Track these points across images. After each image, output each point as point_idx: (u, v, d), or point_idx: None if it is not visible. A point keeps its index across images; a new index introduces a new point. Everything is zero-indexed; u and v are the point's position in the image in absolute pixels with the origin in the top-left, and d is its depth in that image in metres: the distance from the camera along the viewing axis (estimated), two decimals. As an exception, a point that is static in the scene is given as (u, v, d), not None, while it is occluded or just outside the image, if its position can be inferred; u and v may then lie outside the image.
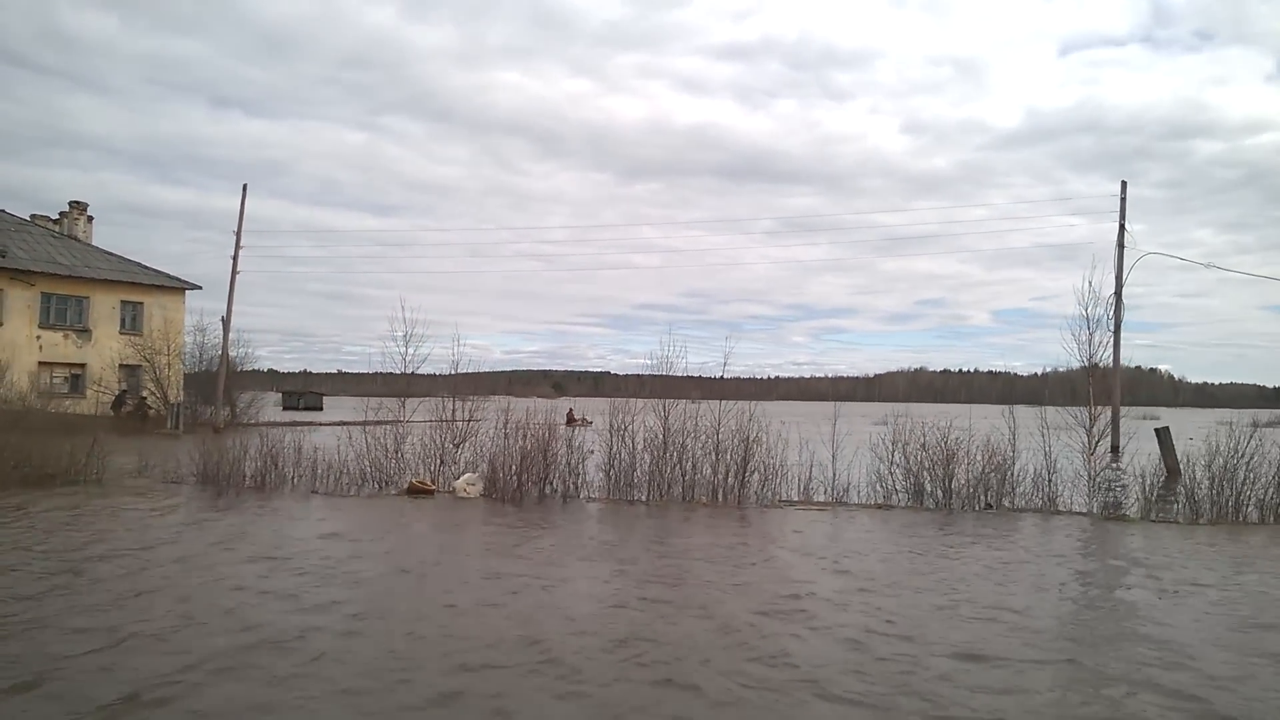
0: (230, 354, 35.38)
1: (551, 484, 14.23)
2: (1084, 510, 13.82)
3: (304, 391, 73.25)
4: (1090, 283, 15.07)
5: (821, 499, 14.26)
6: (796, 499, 14.24)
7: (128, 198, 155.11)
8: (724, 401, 15.17)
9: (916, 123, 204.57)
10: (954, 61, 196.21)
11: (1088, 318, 14.81)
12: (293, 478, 14.92)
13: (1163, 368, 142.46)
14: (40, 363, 34.08)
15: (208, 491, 14.12)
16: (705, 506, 13.67)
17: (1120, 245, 27.68)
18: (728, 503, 13.94)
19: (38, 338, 34.20)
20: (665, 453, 14.45)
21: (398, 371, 16.47)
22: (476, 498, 13.86)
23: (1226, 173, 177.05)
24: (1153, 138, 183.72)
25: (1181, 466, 15.32)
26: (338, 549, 9.40)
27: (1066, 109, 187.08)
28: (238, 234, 33.15)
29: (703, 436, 14.71)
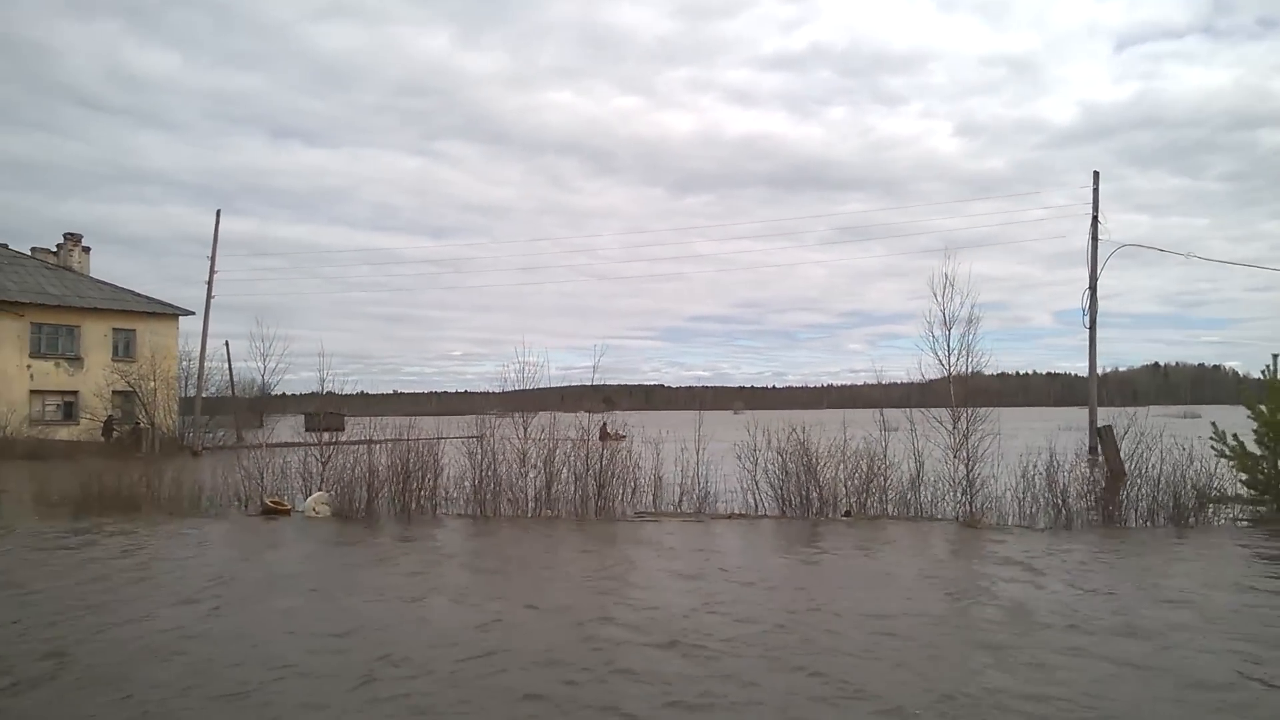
0: (246, 377, 35.87)
1: (411, 501, 13.93)
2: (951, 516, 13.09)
3: (325, 413, 75.98)
4: (947, 276, 14.06)
5: (689, 510, 13.77)
6: (666, 511, 13.75)
7: (191, 229, 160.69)
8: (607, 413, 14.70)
9: (971, 124, 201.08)
10: (1008, 61, 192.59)
11: (945, 315, 13.93)
12: (187, 498, 14.83)
13: (1230, 365, 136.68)
14: (32, 391, 35.03)
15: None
16: (564, 520, 13.34)
17: (1094, 238, 26.56)
18: (590, 517, 13.54)
19: (28, 367, 35.15)
20: (523, 466, 14.12)
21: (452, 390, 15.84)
22: (327, 517, 13.64)
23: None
24: (1217, 129, 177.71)
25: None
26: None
27: (1125, 104, 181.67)
28: (212, 258, 33.75)
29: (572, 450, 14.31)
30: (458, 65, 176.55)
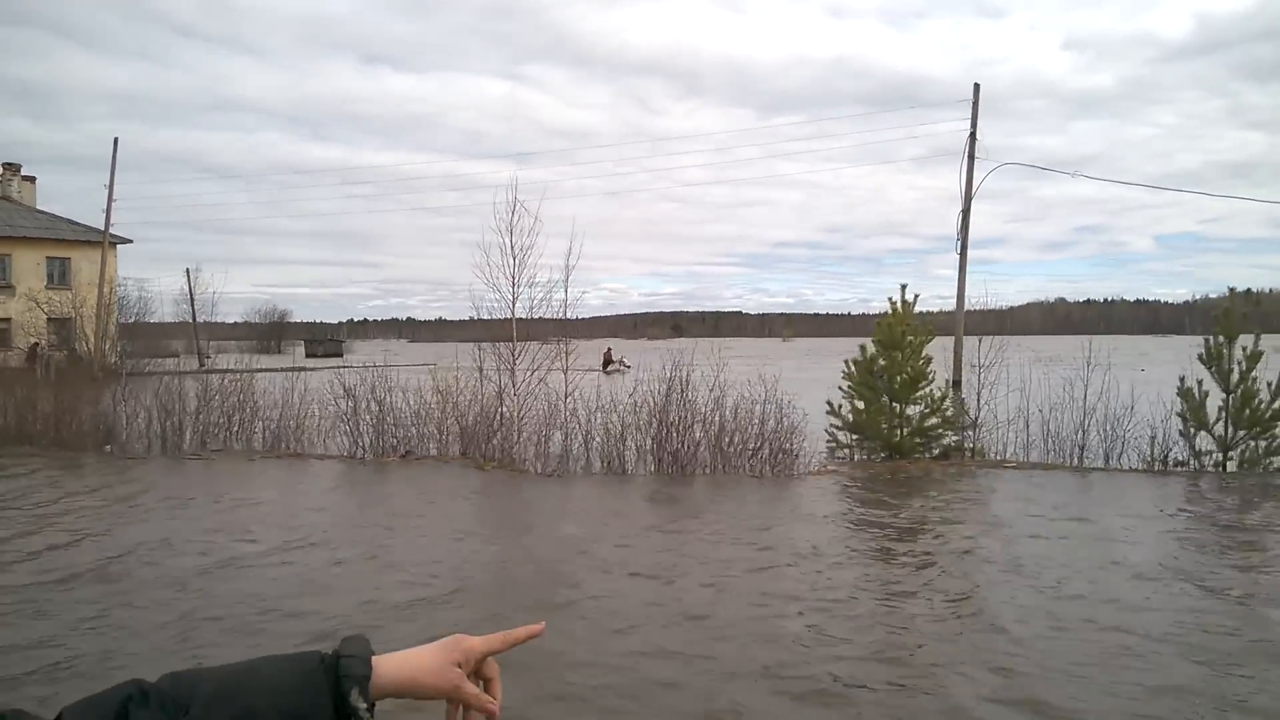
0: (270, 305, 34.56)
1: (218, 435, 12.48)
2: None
3: (324, 340, 76.35)
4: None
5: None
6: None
7: (283, 157, 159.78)
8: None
9: (1078, 38, 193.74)
10: None
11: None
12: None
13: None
14: (-40, 319, 33.77)
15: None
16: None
17: (970, 156, 24.52)
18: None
19: (-44, 296, 33.83)
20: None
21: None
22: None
23: None
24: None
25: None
26: None
27: (1243, 14, 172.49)
28: (110, 188, 32.11)
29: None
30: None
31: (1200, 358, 11.20)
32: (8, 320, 35.12)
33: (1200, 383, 11.08)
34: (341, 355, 61.50)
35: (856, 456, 12.34)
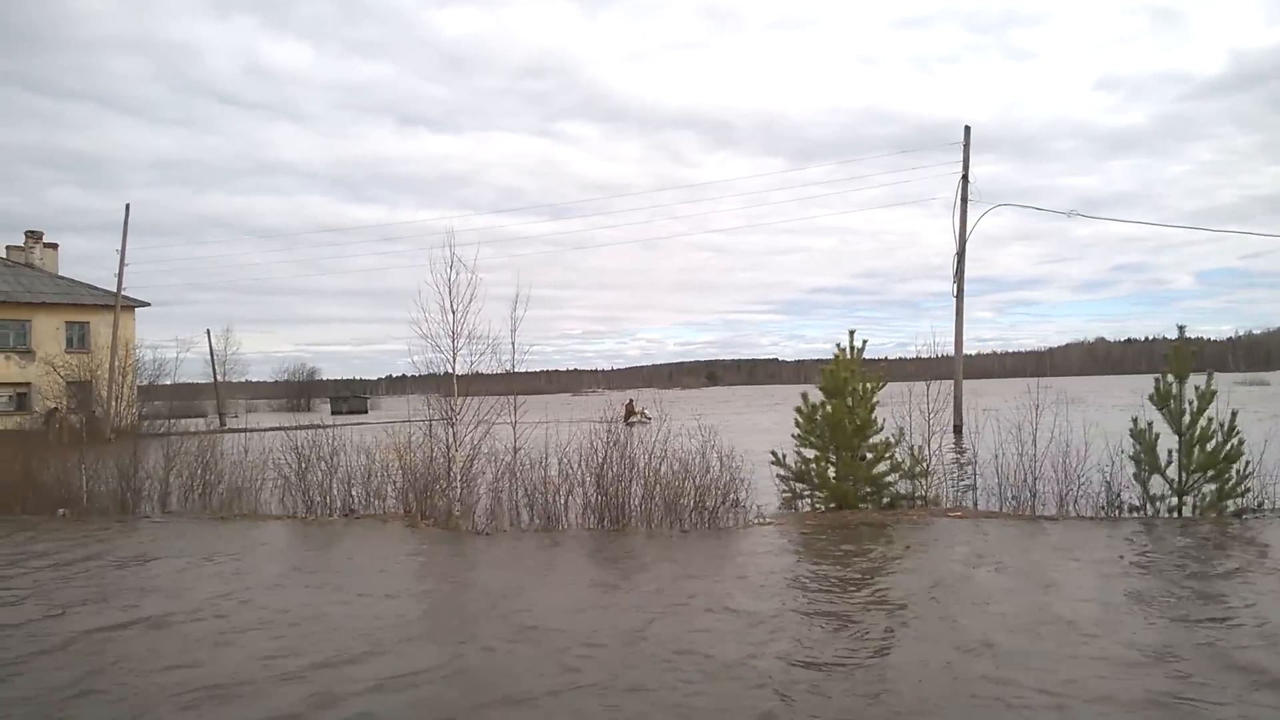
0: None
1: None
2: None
3: (348, 397, 77.59)
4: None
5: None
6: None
7: (324, 218, 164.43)
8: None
9: (1110, 78, 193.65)
10: (1149, 9, 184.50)
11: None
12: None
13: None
14: (-17, 384, 34.66)
15: None
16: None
17: (963, 199, 24.25)
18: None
19: (-22, 361, 34.77)
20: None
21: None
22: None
23: None
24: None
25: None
26: None
27: (1277, 48, 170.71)
28: (121, 253, 32.96)
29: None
30: (577, 44, 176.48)
31: (1151, 398, 10.83)
32: (28, 385, 36.03)
33: (1150, 424, 10.70)
34: (366, 411, 62.68)
35: (804, 507, 12.05)
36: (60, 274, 40.06)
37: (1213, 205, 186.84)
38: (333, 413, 62.60)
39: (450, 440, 11.91)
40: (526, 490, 11.45)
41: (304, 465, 12.71)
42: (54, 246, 40.48)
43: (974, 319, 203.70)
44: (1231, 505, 10.36)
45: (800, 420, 12.16)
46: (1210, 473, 10.48)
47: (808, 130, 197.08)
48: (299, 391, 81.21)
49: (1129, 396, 11.57)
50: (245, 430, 37.04)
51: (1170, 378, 10.71)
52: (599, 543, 10.11)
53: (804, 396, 12.11)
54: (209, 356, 60.64)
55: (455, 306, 12.02)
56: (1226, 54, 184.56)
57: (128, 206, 33.86)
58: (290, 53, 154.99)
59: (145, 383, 38.68)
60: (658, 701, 4.77)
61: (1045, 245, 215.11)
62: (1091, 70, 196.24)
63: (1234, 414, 10.50)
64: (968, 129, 26.65)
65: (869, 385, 12.04)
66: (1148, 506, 10.68)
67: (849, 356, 12.12)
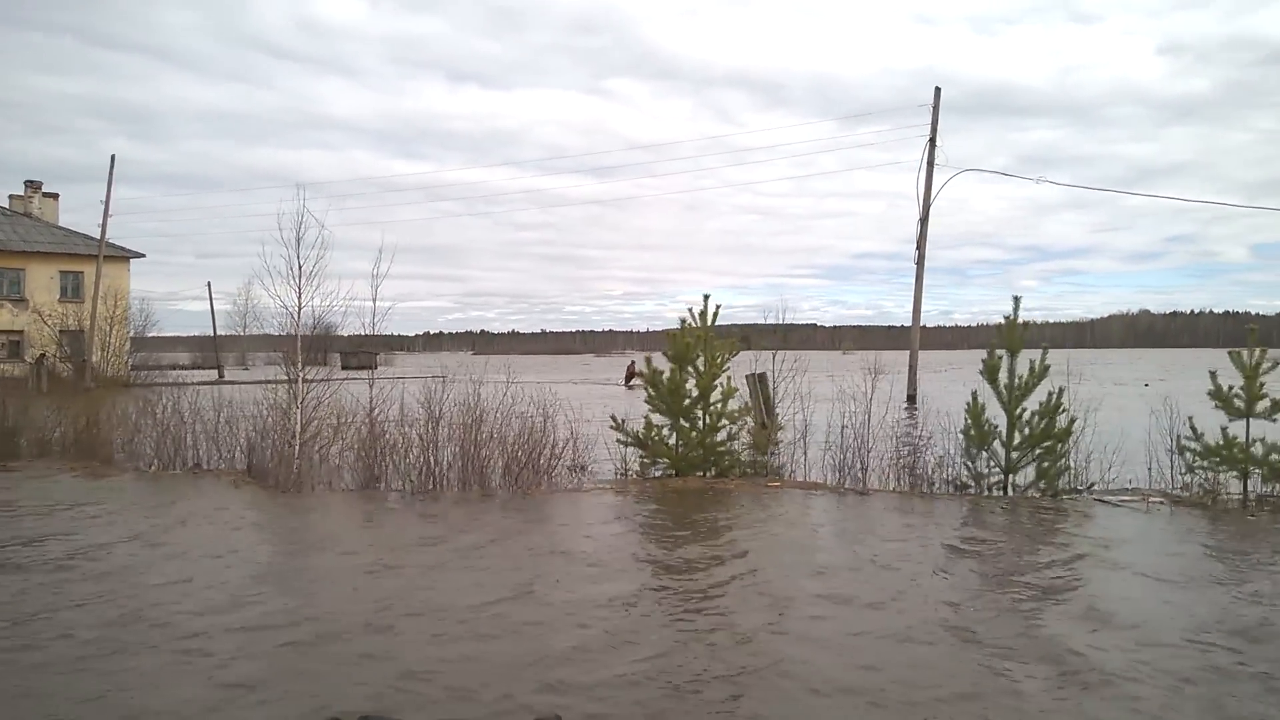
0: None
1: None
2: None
3: (358, 352, 79.01)
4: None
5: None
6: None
7: (370, 173, 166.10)
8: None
9: (1175, 42, 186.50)
10: None
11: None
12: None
13: None
14: (-24, 331, 35.62)
15: None
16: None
17: (930, 163, 23.45)
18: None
19: (-29, 308, 35.70)
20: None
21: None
22: None
23: None
24: None
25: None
26: None
27: None
28: (106, 203, 33.42)
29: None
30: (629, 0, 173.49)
31: (981, 373, 10.47)
32: (20, 333, 36.99)
33: (974, 399, 10.35)
34: (375, 368, 63.78)
35: (655, 473, 11.91)
36: (60, 224, 40.85)
37: (1272, 176, 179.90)
38: (342, 366, 64.04)
39: (294, 400, 11.94)
40: (372, 452, 11.48)
41: (160, 419, 12.89)
42: (54, 196, 41.21)
43: (1019, 288, 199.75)
44: (1051, 484, 10.01)
45: (646, 386, 12.00)
46: (1039, 451, 10.14)
47: (860, 92, 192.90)
48: (315, 345, 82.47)
49: (1129, 371, 11.01)
50: (232, 383, 37.74)
51: (1000, 352, 10.32)
52: (420, 505, 10.08)
53: (648, 361, 11.92)
54: (236, 311, 61.94)
55: (302, 262, 11.95)
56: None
57: (113, 158, 34.33)
58: (343, 6, 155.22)
59: (136, 333, 39.54)
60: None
61: (1098, 214, 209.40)
62: (1156, 35, 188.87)
63: (1060, 391, 10.12)
64: (937, 90, 25.81)
65: (717, 354, 11.83)
66: (974, 484, 10.39)
67: (699, 324, 11.90)
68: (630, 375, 34.01)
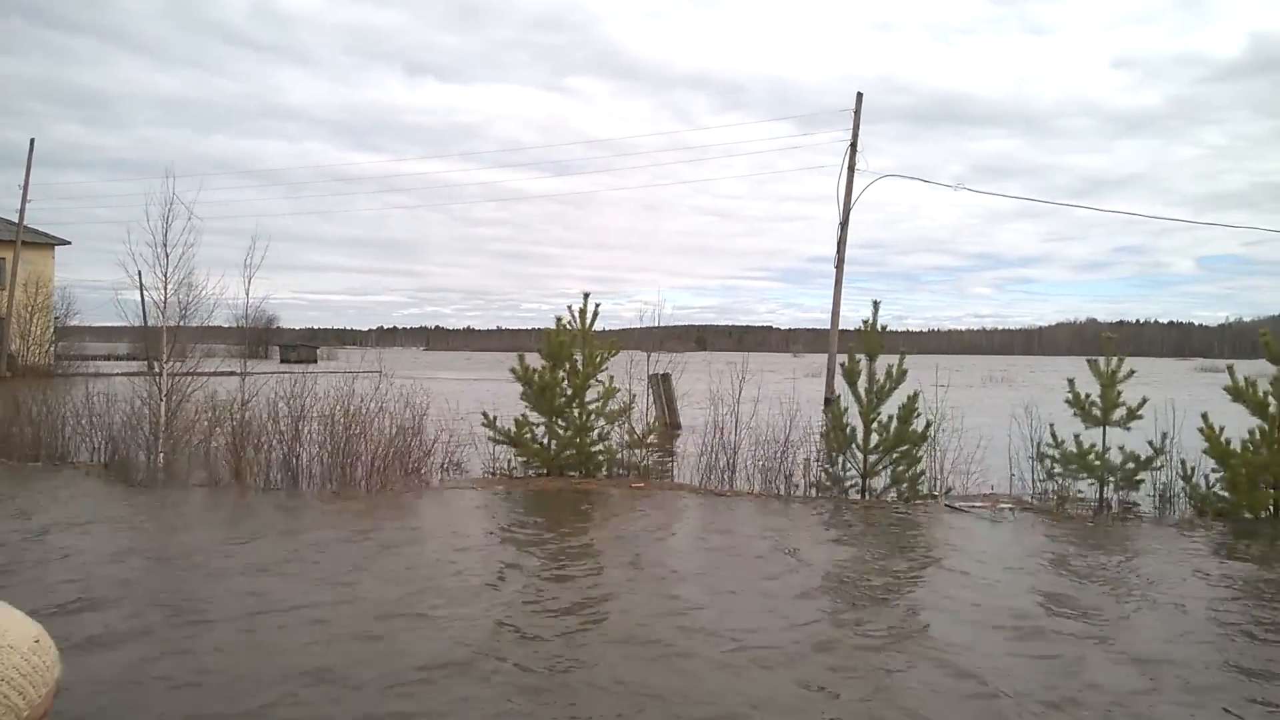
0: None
1: None
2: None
3: (297, 346, 78.50)
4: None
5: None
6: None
7: (327, 164, 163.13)
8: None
9: (1127, 57, 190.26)
10: None
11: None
12: None
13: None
14: (-110, 318, 34.44)
15: None
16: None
17: (851, 167, 23.65)
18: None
19: (-114, 295, 34.53)
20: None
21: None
22: None
23: None
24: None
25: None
26: None
27: None
28: (24, 188, 32.63)
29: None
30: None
31: (843, 376, 10.54)
32: (-66, 320, 35.85)
33: (836, 403, 10.42)
34: (315, 361, 63.29)
35: (527, 473, 11.82)
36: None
37: (1219, 190, 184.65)
38: (281, 361, 63.44)
39: (157, 393, 11.68)
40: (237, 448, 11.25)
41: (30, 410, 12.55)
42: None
43: (972, 295, 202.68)
44: (905, 488, 10.10)
45: (521, 384, 11.92)
46: (896, 455, 10.23)
47: (820, 97, 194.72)
48: (257, 338, 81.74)
49: (1058, 379, 10.81)
50: (151, 374, 36.88)
51: (859, 356, 10.40)
52: (280, 499, 9.89)
53: (520, 358, 11.84)
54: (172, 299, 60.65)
55: (170, 251, 11.69)
56: (1246, 37, 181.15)
57: (31, 141, 33.46)
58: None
59: (65, 322, 38.62)
60: None
61: (1049, 224, 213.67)
62: (1109, 49, 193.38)
63: (915, 395, 10.21)
64: (859, 95, 25.89)
65: (594, 354, 11.79)
66: (834, 487, 10.45)
67: (570, 325, 11.84)
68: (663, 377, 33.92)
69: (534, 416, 11.80)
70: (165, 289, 11.80)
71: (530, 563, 7.07)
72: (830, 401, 16.62)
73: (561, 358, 11.60)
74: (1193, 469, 9.67)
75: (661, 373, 17.99)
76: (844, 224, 26.24)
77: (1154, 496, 9.94)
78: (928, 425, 10.22)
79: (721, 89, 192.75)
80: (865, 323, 10.50)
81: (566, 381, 11.60)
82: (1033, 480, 10.44)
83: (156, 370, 11.90)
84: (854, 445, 10.30)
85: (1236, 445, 9.33)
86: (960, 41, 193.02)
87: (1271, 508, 9.22)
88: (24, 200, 33.03)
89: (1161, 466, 9.91)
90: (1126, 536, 8.64)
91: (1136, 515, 9.58)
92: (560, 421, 11.61)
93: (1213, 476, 9.48)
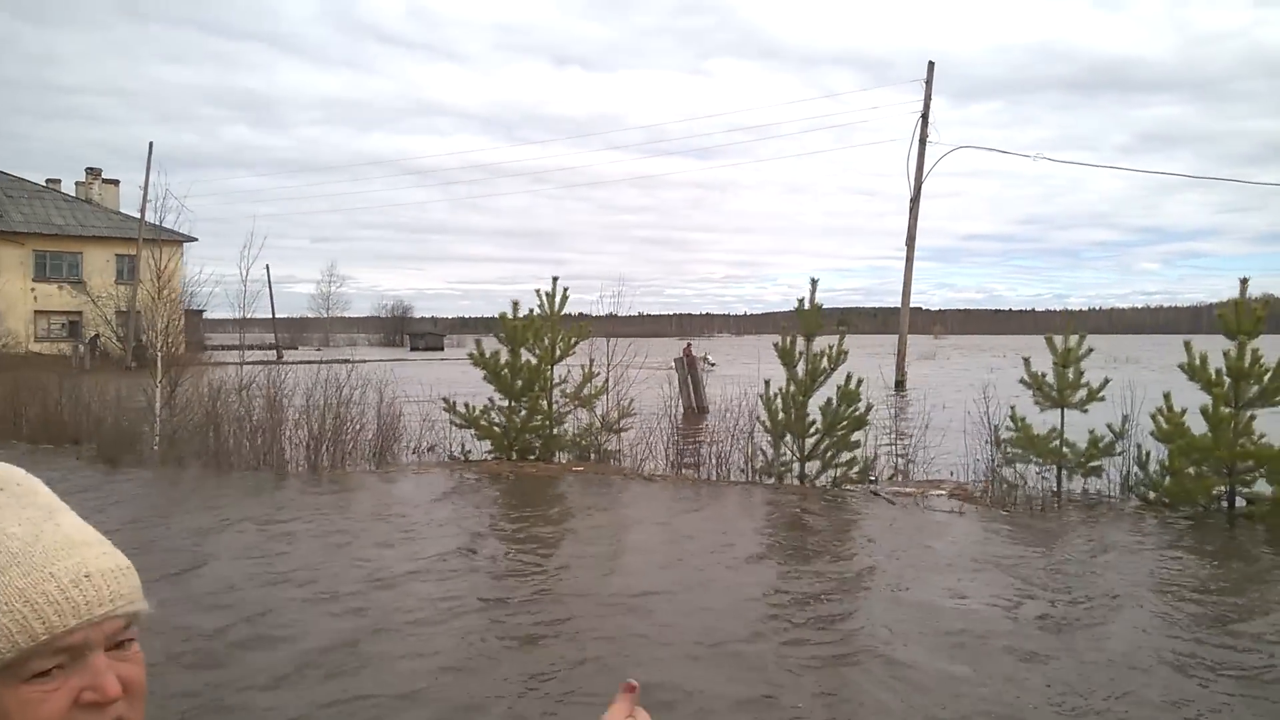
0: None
1: None
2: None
3: (426, 334, 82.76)
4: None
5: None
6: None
7: (478, 158, 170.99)
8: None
9: None
10: None
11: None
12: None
13: None
14: (36, 311, 38.24)
15: None
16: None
17: (922, 139, 22.24)
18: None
19: (32, 290, 38.30)
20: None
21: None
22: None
23: None
24: None
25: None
26: None
27: None
28: (144, 189, 35.08)
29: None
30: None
31: (779, 357, 10.20)
32: (79, 313, 39.59)
33: (770, 385, 10.10)
34: (442, 349, 67.00)
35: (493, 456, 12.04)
36: (120, 209, 43.34)
37: None
38: (411, 349, 67.72)
39: (155, 380, 12.59)
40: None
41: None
42: (114, 183, 43.74)
43: (1138, 270, 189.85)
44: (836, 474, 9.71)
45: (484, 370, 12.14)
46: (830, 439, 9.85)
47: (972, 69, 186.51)
48: (394, 327, 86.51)
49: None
50: (282, 363, 39.44)
51: (794, 337, 10.04)
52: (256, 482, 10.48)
53: (477, 343, 12.05)
54: (320, 293, 64.87)
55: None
56: None
57: (150, 145, 36.03)
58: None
59: (182, 314, 41.63)
60: None
61: (1219, 194, 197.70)
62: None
63: (859, 381, 9.78)
64: (931, 64, 24.82)
65: (559, 339, 11.87)
66: (770, 473, 10.16)
67: (547, 309, 11.94)
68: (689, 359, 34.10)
69: (500, 400, 12.02)
70: (159, 281, 12.67)
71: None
72: (900, 384, 16.04)
73: (519, 341, 11.74)
74: (1148, 454, 8.87)
75: (688, 356, 17.86)
76: (915, 199, 24.94)
77: (1112, 485, 9.21)
78: (867, 409, 9.79)
79: (868, 64, 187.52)
80: (800, 300, 10.12)
81: (526, 366, 11.74)
82: (992, 465, 9.83)
83: (153, 358, 12.79)
84: (787, 433, 9.98)
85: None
86: (1126, 4, 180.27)
87: (1226, 501, 8.34)
88: (145, 199, 35.72)
89: (1122, 452, 9.16)
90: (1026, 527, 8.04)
91: (1074, 503, 8.90)
92: (518, 404, 11.76)
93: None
